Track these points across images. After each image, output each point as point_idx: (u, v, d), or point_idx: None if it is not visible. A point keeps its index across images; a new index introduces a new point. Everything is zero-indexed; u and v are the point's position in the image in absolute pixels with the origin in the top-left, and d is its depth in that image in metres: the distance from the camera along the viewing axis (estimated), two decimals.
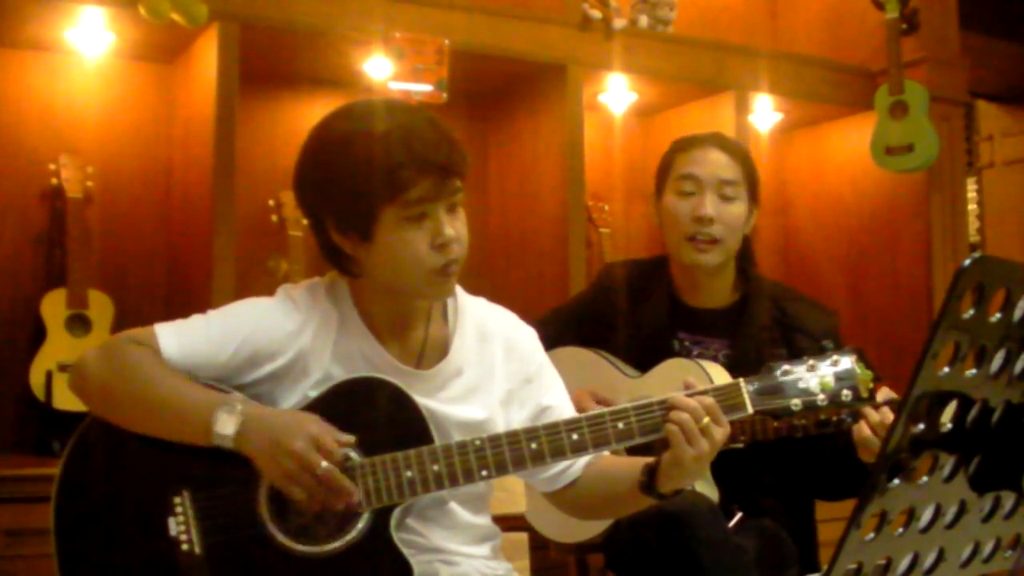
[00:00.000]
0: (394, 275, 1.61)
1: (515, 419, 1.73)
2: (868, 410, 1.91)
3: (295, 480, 1.50)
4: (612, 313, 2.34)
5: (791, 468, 2.22)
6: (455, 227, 1.59)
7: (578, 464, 1.75)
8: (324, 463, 1.49)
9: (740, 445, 2.10)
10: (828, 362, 1.61)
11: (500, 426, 1.68)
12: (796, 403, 1.60)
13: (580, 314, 2.40)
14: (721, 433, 1.56)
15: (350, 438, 1.54)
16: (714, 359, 2.19)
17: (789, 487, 2.25)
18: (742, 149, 2.34)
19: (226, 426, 1.51)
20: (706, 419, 1.55)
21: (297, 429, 1.51)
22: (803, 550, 2.19)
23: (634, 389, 2.17)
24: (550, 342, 2.31)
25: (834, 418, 2.02)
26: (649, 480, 1.62)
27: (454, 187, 1.59)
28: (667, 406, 1.57)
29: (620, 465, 1.73)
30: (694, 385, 1.60)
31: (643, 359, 2.25)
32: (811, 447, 2.14)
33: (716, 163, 2.26)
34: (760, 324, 2.21)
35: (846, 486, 2.12)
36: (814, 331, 2.16)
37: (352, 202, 1.56)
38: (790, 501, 2.25)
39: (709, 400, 1.56)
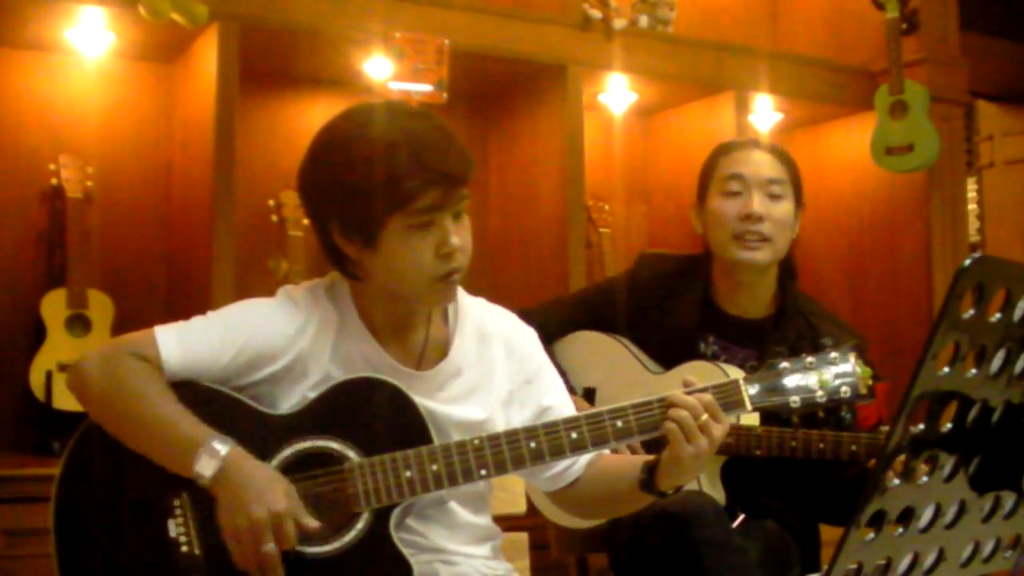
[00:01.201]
0: (397, 281, 1.61)
1: (516, 419, 1.72)
2: None
3: (239, 543, 1.49)
4: (643, 304, 2.30)
5: (799, 488, 2.22)
6: (460, 235, 1.59)
7: (579, 464, 1.75)
8: (270, 546, 1.48)
9: (758, 453, 2.09)
10: (827, 360, 1.61)
11: (500, 426, 1.68)
12: (795, 400, 1.60)
13: (607, 299, 2.36)
14: (720, 430, 1.56)
15: (314, 525, 1.52)
16: (739, 367, 2.17)
17: (792, 491, 2.25)
18: (785, 151, 2.33)
19: (206, 468, 1.50)
20: (704, 416, 1.55)
21: (266, 499, 1.48)
22: (806, 551, 2.19)
23: (654, 385, 2.16)
24: (569, 323, 2.30)
25: (850, 446, 2.01)
26: (649, 478, 1.62)
27: (461, 195, 1.58)
28: (666, 404, 1.57)
29: (621, 463, 1.73)
30: (694, 383, 1.60)
31: (667, 356, 2.23)
32: (822, 471, 2.13)
33: (761, 162, 2.24)
34: (791, 341, 2.18)
35: (839, 509, 2.12)
36: None
37: (358, 209, 1.56)
38: (793, 502, 2.24)
39: (708, 397, 1.56)
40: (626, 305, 2.32)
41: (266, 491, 1.49)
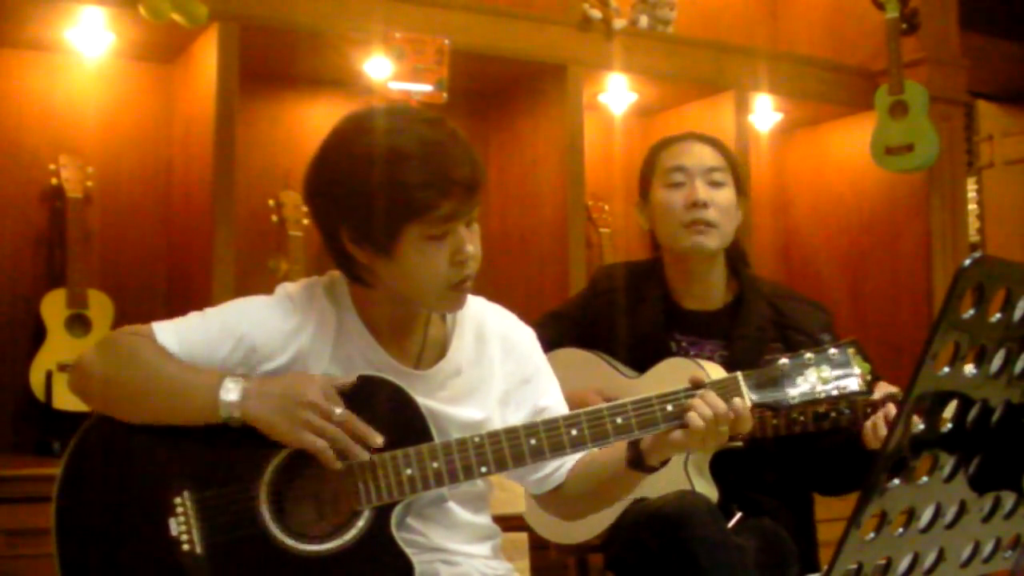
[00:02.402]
0: (410, 287, 1.60)
1: (512, 419, 1.72)
2: (891, 406, 1.93)
3: (315, 430, 1.51)
4: (608, 315, 2.34)
5: (791, 464, 2.23)
6: (473, 242, 1.60)
7: (562, 470, 1.75)
8: (340, 409, 1.51)
9: (739, 444, 2.10)
10: (825, 355, 1.61)
11: (498, 426, 1.68)
12: (794, 396, 1.61)
13: (576, 316, 2.40)
14: (727, 437, 1.59)
15: (350, 379, 1.56)
16: (710, 360, 2.19)
17: (789, 485, 2.26)
18: (721, 141, 2.38)
19: (230, 393, 1.52)
20: (724, 428, 1.57)
21: (305, 381, 1.53)
22: (803, 550, 2.19)
23: (633, 389, 2.17)
24: (548, 344, 2.31)
25: (832, 413, 2.03)
26: (637, 455, 1.63)
27: (475, 203, 1.58)
28: (690, 404, 1.57)
29: (601, 452, 1.73)
30: (703, 379, 1.60)
31: (640, 360, 2.25)
32: (811, 443, 2.14)
33: (701, 153, 2.29)
34: (755, 324, 2.22)
35: (846, 481, 2.14)
36: (810, 329, 2.17)
37: (373, 218, 1.54)
38: (790, 500, 2.25)
39: (723, 408, 1.57)
40: (593, 319, 2.36)
41: (297, 378, 1.55)
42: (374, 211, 1.54)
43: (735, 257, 2.33)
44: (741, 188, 2.32)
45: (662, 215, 2.28)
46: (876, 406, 1.98)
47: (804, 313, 2.24)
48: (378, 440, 1.53)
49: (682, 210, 2.24)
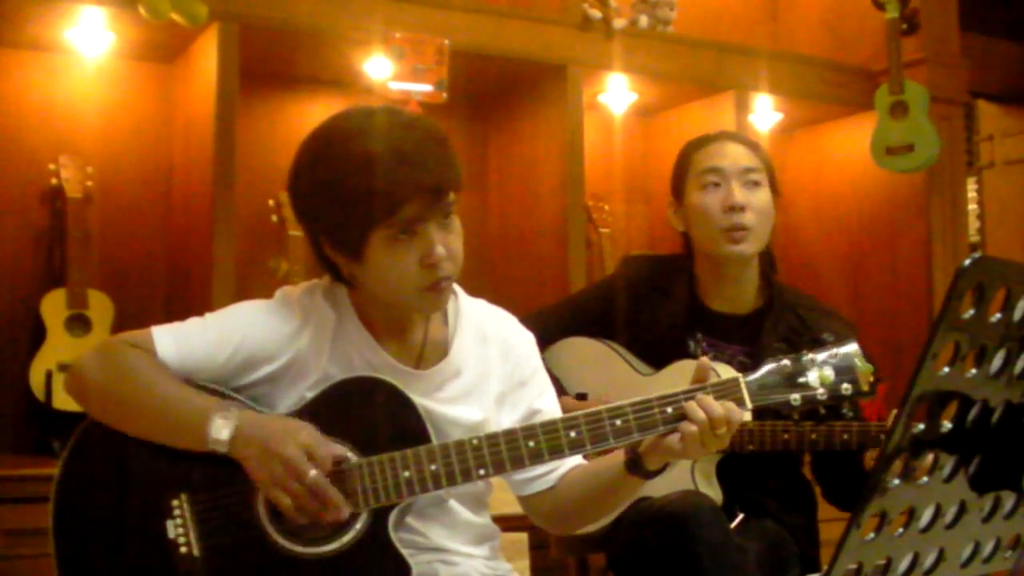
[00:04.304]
0: (385, 291, 1.61)
1: (505, 421, 1.72)
2: None
3: (283, 487, 1.49)
4: (630, 307, 2.30)
5: (794, 474, 2.22)
6: (447, 242, 1.57)
7: (557, 472, 1.74)
8: (313, 472, 1.48)
9: (751, 449, 2.09)
10: (827, 356, 1.60)
11: (494, 427, 1.68)
12: (795, 397, 1.59)
13: (596, 304, 2.36)
14: (729, 440, 1.56)
15: (343, 450, 1.54)
16: (728, 364, 2.17)
17: (793, 487, 2.25)
18: (755, 140, 2.34)
19: (221, 431, 1.50)
20: (723, 429, 1.54)
21: (290, 436, 1.50)
22: (805, 551, 2.19)
23: (645, 387, 2.16)
24: (561, 330, 2.30)
25: (842, 435, 2.02)
26: (636, 459, 1.61)
27: (446, 203, 1.57)
28: (687, 409, 1.54)
29: (598, 460, 1.72)
30: (714, 372, 1.59)
31: (657, 357, 2.23)
32: (816, 455, 2.14)
33: (736, 153, 2.24)
34: (781, 334, 2.19)
35: (848, 496, 2.14)
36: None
37: (343, 223, 1.56)
38: (793, 503, 2.24)
39: (733, 408, 1.55)
40: (613, 309, 2.32)
41: (286, 430, 1.51)
42: (344, 215, 1.55)
43: (765, 263, 2.29)
44: (775, 188, 2.27)
45: (698, 218, 2.23)
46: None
47: (828, 327, 2.19)
48: (344, 513, 1.51)
49: (719, 214, 2.18)
